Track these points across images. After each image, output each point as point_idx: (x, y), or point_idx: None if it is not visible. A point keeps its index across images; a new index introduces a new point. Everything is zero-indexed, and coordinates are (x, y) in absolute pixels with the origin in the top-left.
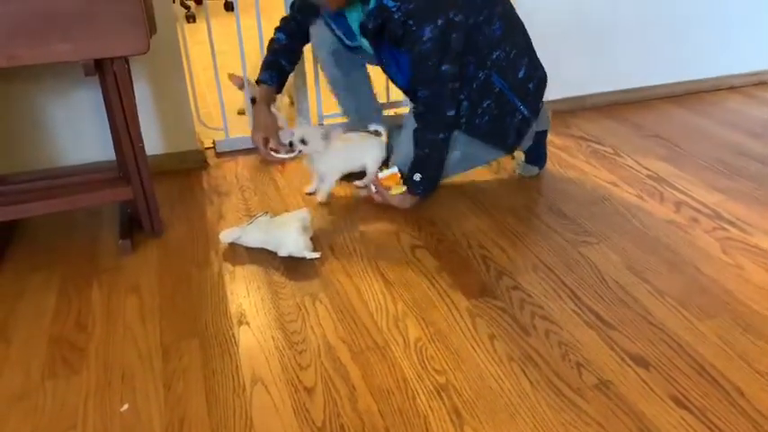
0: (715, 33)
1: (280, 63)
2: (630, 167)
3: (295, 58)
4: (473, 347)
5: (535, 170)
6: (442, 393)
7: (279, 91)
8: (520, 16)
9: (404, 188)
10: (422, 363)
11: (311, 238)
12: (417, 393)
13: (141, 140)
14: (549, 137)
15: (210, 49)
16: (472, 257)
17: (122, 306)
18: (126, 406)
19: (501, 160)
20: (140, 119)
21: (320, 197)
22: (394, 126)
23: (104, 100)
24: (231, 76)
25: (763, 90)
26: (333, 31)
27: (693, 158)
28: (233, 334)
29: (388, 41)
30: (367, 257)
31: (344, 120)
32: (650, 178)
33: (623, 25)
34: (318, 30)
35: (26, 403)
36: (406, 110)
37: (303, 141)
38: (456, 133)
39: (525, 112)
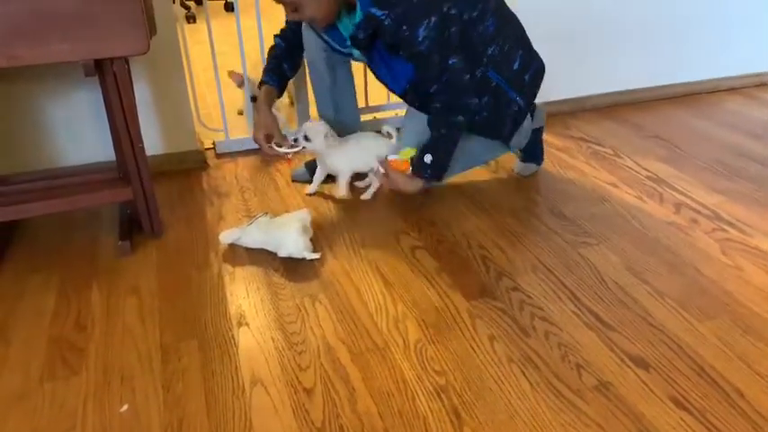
0: (715, 34)
1: (281, 67)
2: (630, 169)
3: (295, 63)
4: (473, 348)
5: (533, 167)
6: (442, 394)
7: (280, 94)
8: (520, 17)
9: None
10: (421, 364)
11: (311, 239)
12: (417, 394)
13: (141, 141)
14: (549, 138)
15: (211, 50)
16: (472, 258)
17: (122, 307)
18: (125, 407)
19: (500, 160)
20: (140, 119)
21: (340, 192)
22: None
23: (104, 100)
24: (231, 74)
25: (763, 91)
26: (321, 36)
27: (693, 160)
28: (232, 335)
29: (382, 49)
30: (367, 258)
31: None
32: (650, 179)
33: (623, 27)
34: (306, 33)
35: (25, 404)
36: (385, 114)
37: (306, 138)
38: None
39: (521, 104)
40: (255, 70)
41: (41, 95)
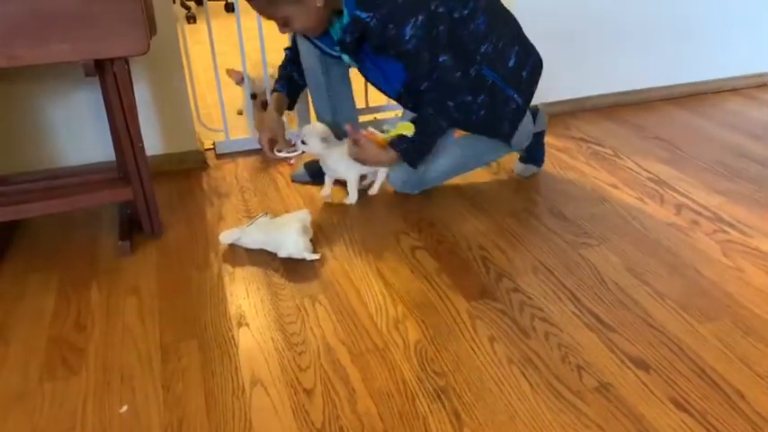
0: (716, 35)
1: (290, 75)
2: (631, 169)
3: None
4: (473, 349)
5: (533, 169)
6: (442, 395)
7: (292, 101)
8: (519, 16)
9: None
10: (421, 365)
11: (311, 240)
12: (417, 395)
13: (141, 141)
14: (549, 139)
15: (211, 50)
16: (472, 259)
17: (122, 307)
18: (125, 407)
19: (500, 161)
20: (140, 119)
21: (350, 199)
22: None
23: (104, 100)
24: (230, 72)
25: (763, 92)
26: (312, 42)
27: (694, 160)
28: (232, 335)
29: (370, 52)
30: (367, 259)
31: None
32: (650, 180)
33: (624, 27)
34: (299, 39)
35: (25, 404)
36: (385, 115)
37: (303, 142)
38: (454, 137)
39: (519, 101)
40: (255, 70)
41: (41, 95)
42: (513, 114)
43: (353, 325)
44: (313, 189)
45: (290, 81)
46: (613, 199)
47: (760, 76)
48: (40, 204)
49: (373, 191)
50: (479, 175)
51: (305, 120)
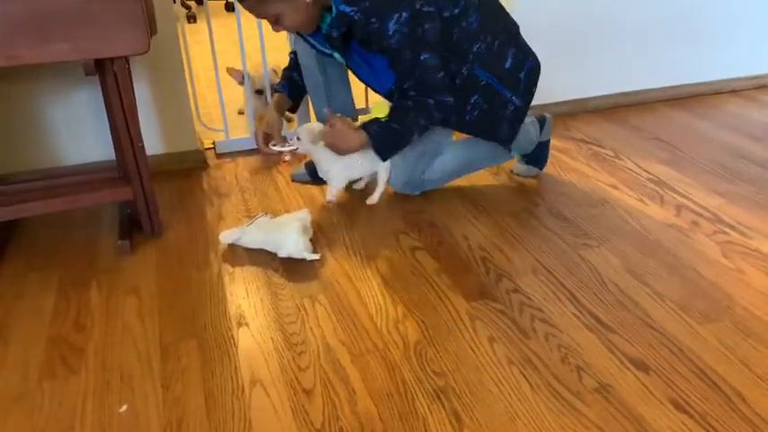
0: (716, 36)
1: (292, 77)
2: (631, 170)
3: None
4: (472, 350)
5: (534, 170)
6: (442, 396)
7: (293, 100)
8: (520, 17)
9: None
10: (421, 365)
11: (311, 240)
12: (416, 396)
13: (141, 140)
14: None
15: (211, 49)
16: (472, 260)
17: (121, 307)
18: (124, 407)
19: None
20: (140, 119)
21: (328, 196)
22: None
23: (104, 100)
24: (230, 70)
25: (763, 93)
26: (306, 39)
27: (694, 162)
28: (232, 335)
29: (359, 48)
30: (367, 259)
31: None
32: (651, 181)
33: (624, 28)
34: (295, 37)
35: (24, 403)
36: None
37: (299, 138)
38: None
39: (517, 103)
40: (256, 69)
41: (41, 95)
42: (511, 116)
43: (353, 325)
44: (313, 189)
45: (292, 82)
46: (613, 200)
47: (760, 77)
48: (40, 203)
49: (373, 200)
50: (480, 176)
51: (305, 120)
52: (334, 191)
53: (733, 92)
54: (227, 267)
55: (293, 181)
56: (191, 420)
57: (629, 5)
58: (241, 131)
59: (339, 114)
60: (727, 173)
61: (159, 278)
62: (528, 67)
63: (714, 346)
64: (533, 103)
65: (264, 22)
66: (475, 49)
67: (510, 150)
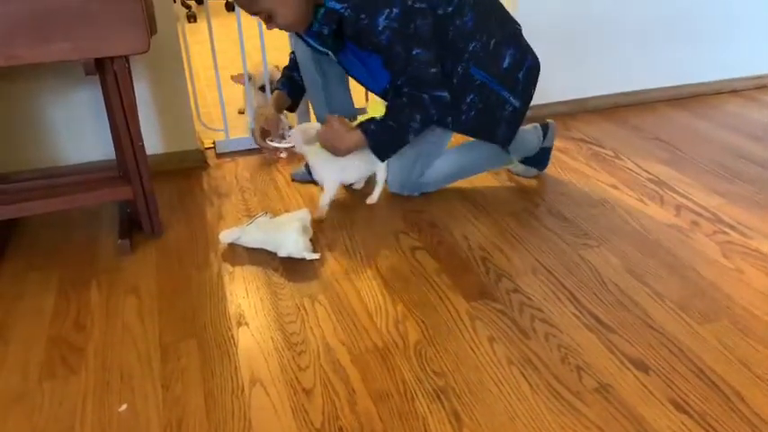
0: (716, 36)
1: (292, 75)
2: (631, 170)
3: None
4: (472, 350)
5: (533, 171)
6: (441, 396)
7: (292, 99)
8: (520, 17)
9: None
10: (421, 365)
11: (311, 239)
12: (416, 396)
13: (141, 139)
14: None
15: (211, 49)
16: (472, 259)
17: (121, 306)
18: (124, 406)
19: None
20: (140, 118)
21: (319, 211)
22: None
23: (104, 99)
24: (234, 78)
25: (764, 93)
26: (302, 38)
27: (694, 162)
28: (232, 335)
29: (352, 45)
30: (367, 259)
31: None
32: (651, 181)
33: (624, 28)
34: (293, 37)
35: (24, 403)
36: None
37: (288, 135)
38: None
39: (516, 104)
40: (257, 68)
41: (41, 94)
42: (509, 117)
43: (353, 325)
44: (313, 189)
45: (291, 81)
46: (613, 200)
47: (760, 77)
48: (41, 203)
49: (372, 199)
50: (480, 176)
51: (305, 120)
52: (327, 198)
53: (733, 92)
54: (227, 267)
55: (293, 180)
56: (190, 420)
57: (629, 5)
58: (241, 131)
59: (336, 114)
60: (727, 173)
61: (159, 278)
62: (527, 66)
63: (714, 346)
64: (533, 102)
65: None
66: (470, 48)
67: (509, 153)
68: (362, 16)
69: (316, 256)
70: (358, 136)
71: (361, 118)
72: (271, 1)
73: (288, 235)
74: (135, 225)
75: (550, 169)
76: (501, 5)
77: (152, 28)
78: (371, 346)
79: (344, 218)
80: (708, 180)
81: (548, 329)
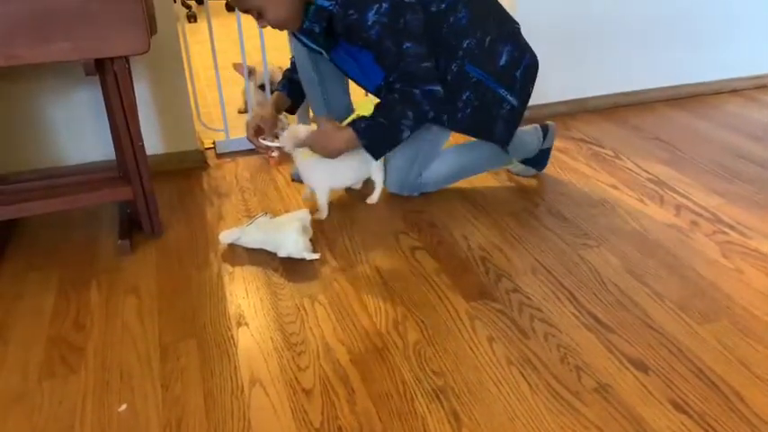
0: (716, 36)
1: (292, 77)
2: (630, 170)
3: None
4: (472, 350)
5: (532, 171)
6: (441, 396)
7: (292, 100)
8: (520, 17)
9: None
10: (420, 365)
11: (311, 239)
12: (416, 396)
13: (141, 139)
14: None
15: (211, 49)
16: (471, 259)
17: (121, 306)
18: (124, 406)
19: None
20: (140, 118)
21: (320, 214)
22: None
23: (104, 99)
24: (236, 66)
25: (764, 93)
26: (300, 39)
27: (694, 162)
28: (232, 335)
29: (346, 43)
30: (366, 259)
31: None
32: (650, 181)
33: (624, 28)
34: (291, 38)
35: (24, 403)
36: None
37: (278, 137)
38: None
39: (513, 102)
40: (259, 65)
41: (41, 95)
42: (507, 116)
43: (353, 325)
44: None
45: (291, 82)
46: (613, 200)
47: (760, 77)
48: (41, 203)
49: (372, 200)
50: (480, 176)
51: (304, 121)
52: (322, 200)
53: (733, 92)
54: (227, 267)
55: (293, 180)
56: (190, 420)
57: (629, 5)
58: (241, 131)
59: (327, 114)
60: (727, 173)
61: (159, 278)
62: (524, 65)
63: (713, 346)
64: (533, 102)
65: None
66: (464, 45)
67: (508, 153)
68: (351, 12)
69: (316, 256)
70: (349, 134)
71: (350, 117)
72: None
73: (288, 235)
74: (135, 225)
75: (550, 169)
76: (498, 4)
77: (152, 28)
78: (371, 346)
79: (344, 218)
80: (707, 180)
81: (547, 329)
